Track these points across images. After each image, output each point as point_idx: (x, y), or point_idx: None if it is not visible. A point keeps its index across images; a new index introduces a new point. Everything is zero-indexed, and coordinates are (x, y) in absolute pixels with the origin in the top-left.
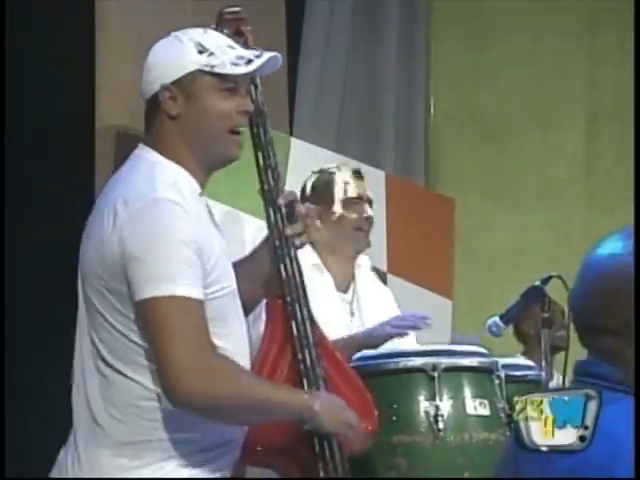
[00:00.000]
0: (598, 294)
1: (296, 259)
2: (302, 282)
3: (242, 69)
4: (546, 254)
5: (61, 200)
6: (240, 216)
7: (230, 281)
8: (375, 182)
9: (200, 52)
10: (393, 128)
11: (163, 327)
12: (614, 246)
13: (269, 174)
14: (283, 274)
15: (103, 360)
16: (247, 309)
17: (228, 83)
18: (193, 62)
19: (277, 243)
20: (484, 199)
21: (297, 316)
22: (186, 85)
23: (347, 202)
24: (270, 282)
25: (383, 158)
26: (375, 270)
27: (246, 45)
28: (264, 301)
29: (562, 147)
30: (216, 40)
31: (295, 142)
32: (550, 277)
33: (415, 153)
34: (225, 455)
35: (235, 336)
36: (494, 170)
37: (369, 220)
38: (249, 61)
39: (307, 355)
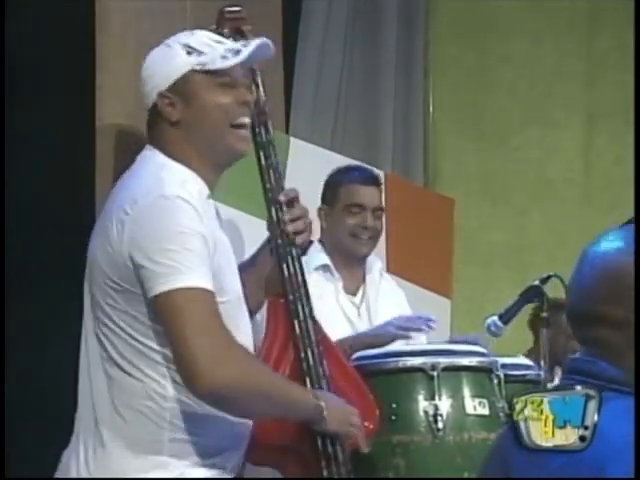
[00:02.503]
0: (601, 283)
1: (298, 258)
2: (304, 281)
3: (232, 61)
4: (545, 254)
5: (62, 199)
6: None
7: (234, 290)
8: None
9: (189, 53)
10: (391, 128)
11: (183, 318)
12: (618, 241)
13: (270, 173)
14: (285, 273)
15: (110, 360)
16: (251, 311)
17: (223, 78)
18: (184, 64)
19: (279, 242)
20: (483, 199)
21: (299, 315)
22: (181, 88)
23: (348, 207)
24: (271, 282)
25: (381, 158)
26: None
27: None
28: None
29: (561, 147)
30: (203, 38)
31: (295, 142)
32: (549, 277)
33: (414, 153)
34: (233, 456)
35: (240, 342)
36: (493, 170)
37: (368, 229)
38: (238, 52)
39: (309, 354)
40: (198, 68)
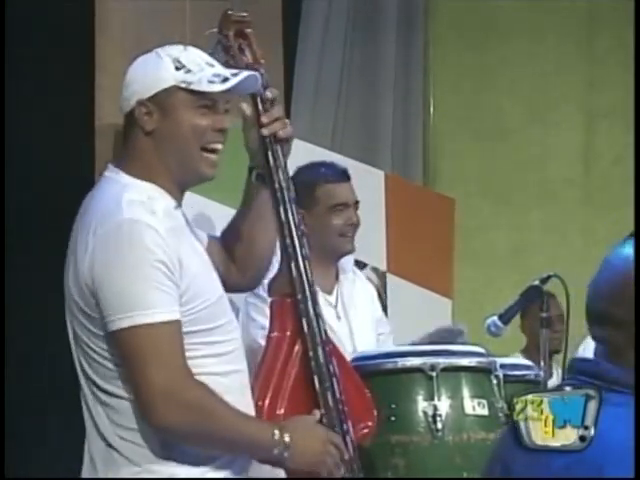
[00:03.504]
0: (609, 282)
1: (306, 257)
2: (312, 280)
3: (217, 87)
4: (545, 254)
5: (62, 199)
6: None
7: (213, 292)
8: (374, 181)
9: (177, 68)
10: (391, 128)
11: (138, 357)
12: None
13: (280, 174)
14: (294, 272)
15: (94, 384)
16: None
17: (205, 100)
18: (169, 78)
19: (287, 242)
20: (483, 199)
21: (309, 313)
22: (162, 100)
23: (332, 208)
24: (276, 283)
25: (381, 158)
26: (374, 270)
27: (250, 48)
28: (269, 300)
29: (560, 147)
30: (195, 57)
31: (294, 142)
32: (549, 277)
33: (413, 153)
34: (237, 457)
35: (226, 340)
36: (493, 170)
37: (353, 226)
38: (225, 79)
39: (319, 352)
40: (183, 85)
